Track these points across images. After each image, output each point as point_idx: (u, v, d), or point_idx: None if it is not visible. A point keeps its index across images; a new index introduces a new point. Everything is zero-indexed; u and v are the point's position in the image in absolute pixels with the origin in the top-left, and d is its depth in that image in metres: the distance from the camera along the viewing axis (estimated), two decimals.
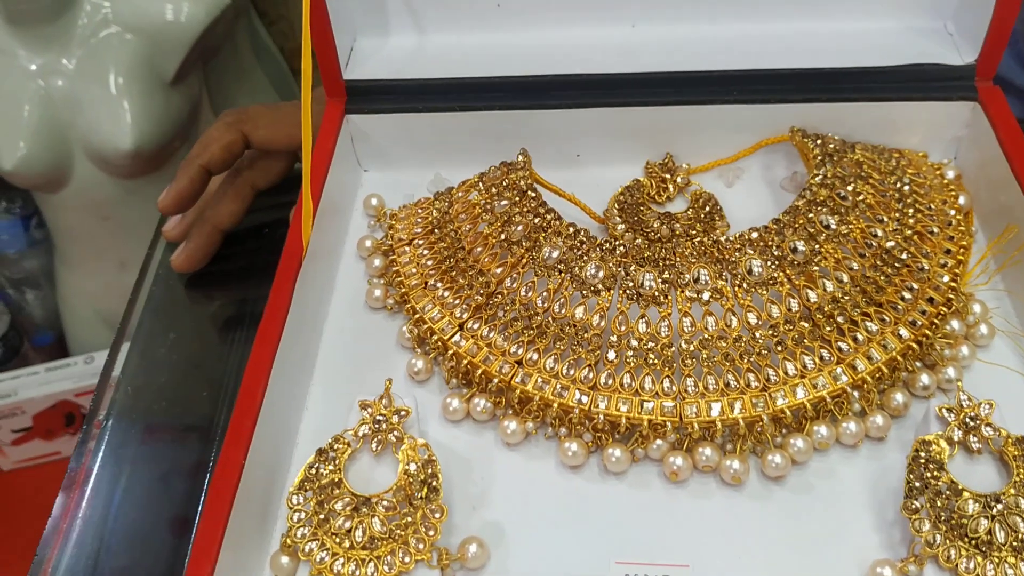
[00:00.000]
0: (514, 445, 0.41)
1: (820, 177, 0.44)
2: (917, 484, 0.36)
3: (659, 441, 0.39)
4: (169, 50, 0.74)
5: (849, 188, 0.44)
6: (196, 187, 0.54)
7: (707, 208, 0.48)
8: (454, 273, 0.44)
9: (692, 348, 0.40)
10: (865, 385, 0.40)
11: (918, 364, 0.41)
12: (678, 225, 0.47)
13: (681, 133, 0.51)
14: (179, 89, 0.77)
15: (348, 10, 0.50)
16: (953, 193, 0.47)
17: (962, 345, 0.42)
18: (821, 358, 0.40)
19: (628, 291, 0.41)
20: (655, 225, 0.47)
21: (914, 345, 0.40)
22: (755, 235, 0.42)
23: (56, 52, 0.74)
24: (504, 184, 0.45)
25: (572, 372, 0.40)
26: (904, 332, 0.40)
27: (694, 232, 0.46)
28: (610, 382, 0.40)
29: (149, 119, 0.75)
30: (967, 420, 0.37)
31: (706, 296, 0.40)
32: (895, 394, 0.40)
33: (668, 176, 0.50)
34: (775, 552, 0.37)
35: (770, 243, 0.42)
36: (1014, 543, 0.34)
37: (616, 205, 0.49)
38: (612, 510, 0.39)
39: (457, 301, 0.43)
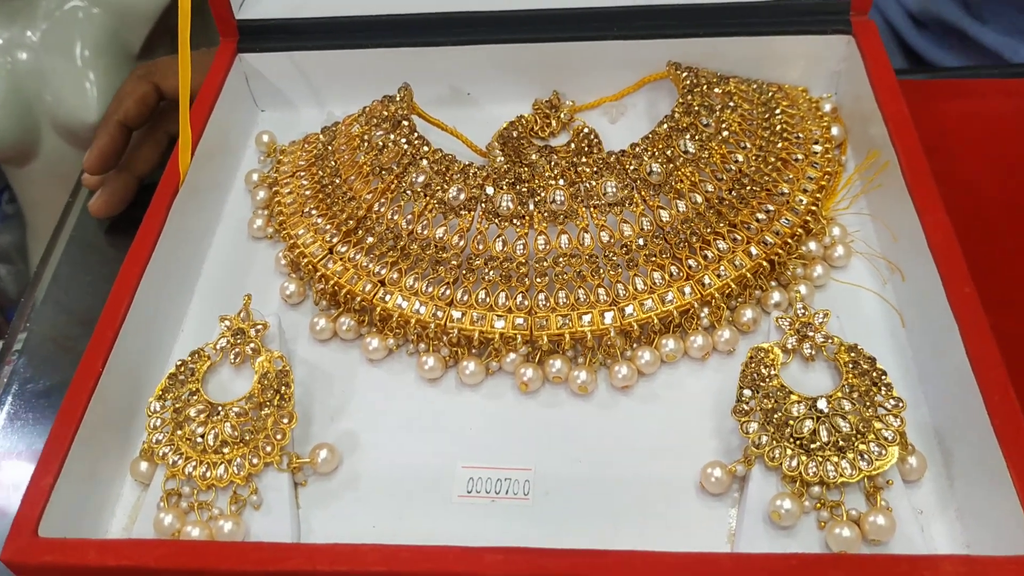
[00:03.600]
0: (377, 361, 0.42)
1: (684, 105, 0.45)
2: (748, 389, 0.37)
3: (512, 354, 0.40)
4: (134, 23, 0.75)
5: (714, 116, 0.45)
6: (117, 143, 0.55)
7: (585, 142, 0.49)
8: (328, 201, 0.45)
9: (546, 266, 0.41)
10: (714, 301, 0.41)
11: (773, 284, 0.42)
12: (555, 157, 0.48)
13: (569, 71, 0.52)
14: None
15: None
16: (826, 124, 0.48)
17: (817, 265, 0.43)
18: (671, 274, 0.41)
19: (488, 213, 0.42)
20: (533, 157, 0.48)
21: (764, 263, 0.41)
22: (612, 158, 0.43)
23: (21, 25, 0.75)
24: (383, 116, 0.46)
25: (431, 289, 0.41)
26: (755, 251, 0.41)
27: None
28: (466, 298, 0.41)
29: (115, 92, 0.76)
30: (801, 329, 0.38)
31: (561, 217, 0.42)
32: (745, 310, 0.41)
33: (552, 112, 0.51)
34: (614, 456, 0.38)
35: (628, 166, 0.43)
36: (838, 443, 0.35)
37: (499, 139, 0.50)
38: (464, 420, 0.40)
39: (329, 227, 0.44)
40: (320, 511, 0.38)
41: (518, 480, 0.38)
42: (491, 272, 0.41)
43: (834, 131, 0.48)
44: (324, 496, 0.38)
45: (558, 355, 0.40)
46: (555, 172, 0.42)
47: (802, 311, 0.39)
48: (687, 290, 0.40)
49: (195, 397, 0.38)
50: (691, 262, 0.41)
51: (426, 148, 0.44)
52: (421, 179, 0.43)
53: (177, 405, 0.38)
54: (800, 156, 0.45)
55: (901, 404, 0.36)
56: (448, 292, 0.41)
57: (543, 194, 0.42)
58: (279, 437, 0.37)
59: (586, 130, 0.50)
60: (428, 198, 0.43)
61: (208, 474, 0.37)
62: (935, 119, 0.51)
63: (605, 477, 0.37)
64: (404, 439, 0.39)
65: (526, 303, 0.40)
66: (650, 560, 0.31)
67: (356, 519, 0.37)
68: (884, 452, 0.35)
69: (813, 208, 0.43)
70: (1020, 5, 0.76)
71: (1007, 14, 0.78)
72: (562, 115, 0.51)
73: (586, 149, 0.49)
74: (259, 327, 0.40)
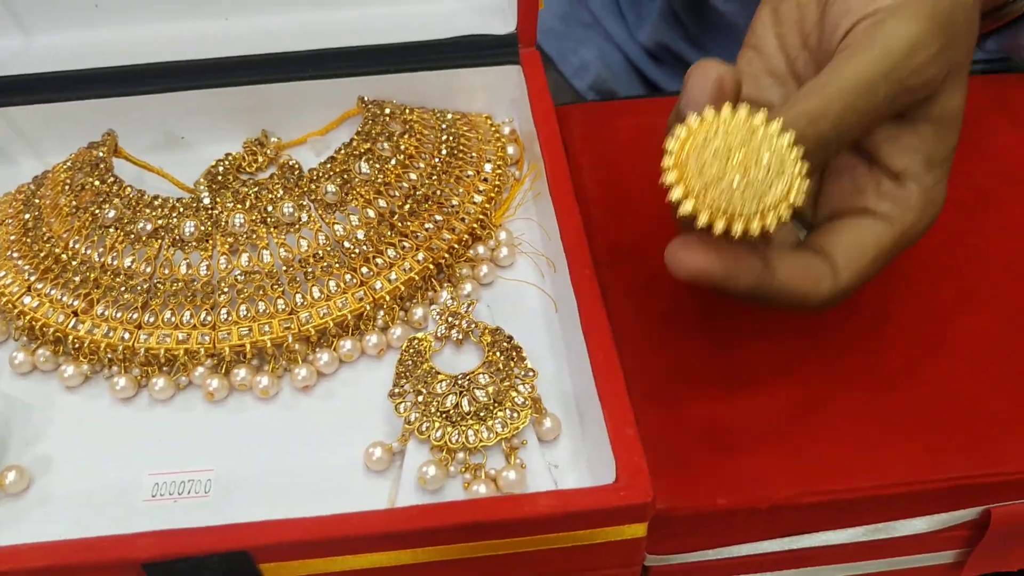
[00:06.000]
0: (74, 388, 0.44)
1: (364, 134, 0.50)
2: (403, 373, 0.41)
3: (200, 368, 0.44)
4: None
5: (392, 142, 0.50)
6: None
7: (289, 173, 0.53)
8: (30, 241, 0.48)
9: (228, 283, 0.44)
10: (386, 303, 0.45)
11: (447, 284, 0.47)
12: (257, 187, 0.52)
13: (278, 111, 0.56)
14: None
15: None
16: (502, 144, 0.54)
17: (483, 265, 0.48)
18: (345, 282, 0.45)
19: (174, 240, 0.45)
20: (239, 190, 0.51)
21: (431, 267, 0.46)
22: (291, 183, 0.47)
23: None
24: (86, 161, 0.49)
25: (120, 315, 0.44)
26: (422, 256, 0.46)
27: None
28: (152, 319, 0.44)
29: None
30: (449, 318, 0.43)
31: (242, 238, 0.45)
32: (416, 309, 0.46)
33: (259, 149, 0.55)
34: (292, 450, 0.42)
35: (306, 188, 0.47)
36: (479, 412, 0.40)
37: (206, 176, 0.53)
38: (155, 433, 0.43)
39: (28, 267, 0.47)
40: (9, 531, 0.39)
41: (200, 480, 0.41)
42: (176, 294, 0.44)
43: (510, 150, 0.54)
44: (14, 517, 0.40)
45: (243, 364, 0.44)
46: (238, 197, 0.46)
47: (451, 302, 0.44)
48: (360, 295, 0.45)
49: None
50: (364, 270, 0.45)
51: (118, 186, 0.47)
52: (111, 214, 0.46)
53: None
54: (472, 172, 0.51)
55: (533, 374, 0.41)
56: (136, 316, 0.44)
57: (225, 218, 0.46)
58: None
59: (291, 163, 0.54)
60: (118, 231, 0.46)
61: None
62: (609, 135, 0.58)
63: (282, 469, 0.41)
64: (96, 457, 0.42)
65: (209, 319, 0.44)
66: (288, 526, 0.35)
67: (45, 535, 0.39)
68: (517, 416, 0.40)
69: (481, 217, 0.49)
70: (738, 37, 0.86)
71: (727, 45, 0.88)
72: (268, 151, 0.55)
73: (288, 181, 0.53)
74: None
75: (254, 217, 0.46)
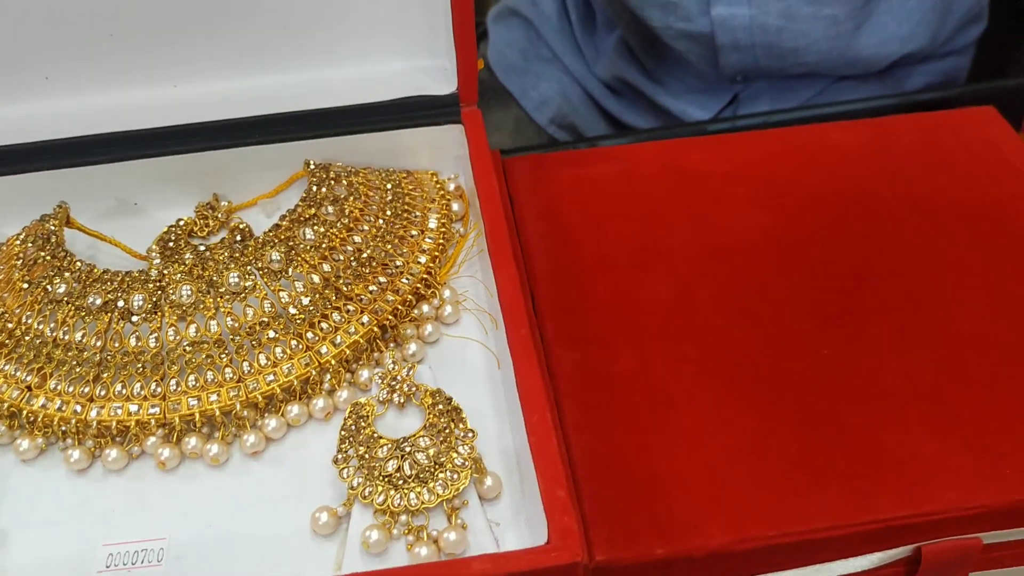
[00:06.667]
0: (30, 461, 0.46)
1: (309, 199, 0.51)
2: (346, 438, 0.43)
3: (152, 437, 0.45)
4: None
5: (337, 205, 0.51)
6: None
7: (240, 236, 0.55)
8: None
9: (176, 354, 0.46)
10: (331, 367, 0.47)
11: (392, 344, 0.49)
12: (209, 253, 0.53)
13: (227, 175, 0.58)
14: None
15: None
16: (447, 201, 0.55)
17: (428, 324, 0.49)
18: (291, 347, 0.46)
19: (123, 312, 0.47)
20: (188, 256, 0.53)
21: (375, 328, 0.48)
22: (236, 252, 0.48)
23: None
24: (37, 234, 0.51)
25: (72, 389, 0.45)
26: (366, 319, 0.48)
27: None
28: (103, 392, 0.45)
29: None
30: (391, 382, 0.45)
31: (190, 309, 0.47)
32: (362, 371, 0.47)
33: (211, 213, 0.57)
34: (241, 516, 0.43)
35: (251, 257, 0.48)
36: (420, 475, 0.41)
37: (158, 243, 0.55)
38: (109, 503, 0.44)
39: None
40: None
41: (152, 549, 0.42)
42: (126, 366, 0.45)
43: (455, 207, 0.56)
44: None
45: (193, 433, 0.45)
46: (185, 268, 0.48)
47: (392, 366, 0.45)
48: (305, 361, 0.46)
49: None
50: (310, 335, 0.47)
51: (68, 260, 0.48)
52: (62, 289, 0.47)
53: None
54: (416, 232, 0.52)
55: (472, 434, 0.43)
56: (88, 389, 0.45)
57: (172, 290, 0.47)
58: None
59: (242, 226, 0.56)
60: (69, 306, 0.47)
61: None
62: (553, 185, 0.60)
63: (232, 535, 0.42)
64: (51, 530, 0.43)
65: (159, 390, 0.45)
66: None
67: None
68: (458, 477, 0.41)
69: (425, 276, 0.50)
70: (691, 70, 0.88)
71: (681, 77, 0.90)
72: (219, 215, 0.57)
73: (239, 244, 0.54)
74: None
75: (201, 287, 0.47)
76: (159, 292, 0.47)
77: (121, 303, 0.47)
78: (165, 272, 0.48)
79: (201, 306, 0.47)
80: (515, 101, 0.98)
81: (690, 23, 0.80)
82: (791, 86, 0.86)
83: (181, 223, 0.56)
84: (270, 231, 0.49)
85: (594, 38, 0.96)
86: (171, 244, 0.54)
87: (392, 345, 0.49)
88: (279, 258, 0.48)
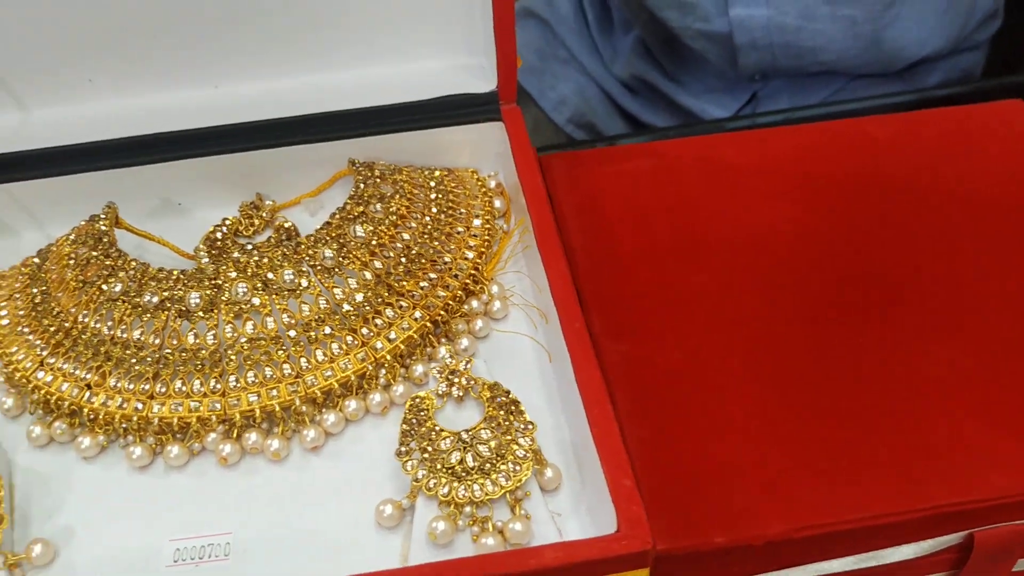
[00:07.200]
0: (91, 458, 0.46)
1: (357, 197, 0.52)
2: (408, 432, 0.43)
3: (212, 434, 0.45)
4: None
5: (384, 203, 0.52)
6: None
7: (285, 235, 0.55)
8: (39, 316, 0.49)
9: (235, 351, 0.46)
10: (387, 362, 0.47)
11: (444, 340, 0.49)
12: (258, 252, 0.53)
13: (270, 175, 0.58)
14: None
15: None
16: (489, 198, 0.56)
17: (478, 319, 0.50)
18: (347, 344, 0.47)
19: (179, 311, 0.47)
20: (236, 255, 0.53)
21: (428, 324, 0.48)
22: (290, 249, 0.49)
23: None
24: (88, 234, 0.51)
25: (132, 386, 0.46)
26: (419, 314, 0.48)
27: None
28: (164, 390, 0.46)
29: None
30: (449, 375, 0.45)
31: (246, 307, 0.47)
32: (416, 366, 0.48)
33: (255, 212, 0.57)
34: (305, 510, 0.43)
35: (304, 255, 0.49)
36: (483, 467, 0.42)
37: (205, 242, 0.55)
38: (173, 499, 0.44)
39: (40, 341, 0.48)
40: None
41: (219, 544, 0.42)
42: (185, 363, 0.46)
43: (497, 204, 0.56)
44: None
45: (253, 428, 0.45)
46: (239, 266, 0.48)
47: (449, 360, 0.46)
48: (361, 356, 0.47)
49: None
50: (364, 331, 0.47)
51: (122, 260, 0.49)
52: (118, 288, 0.48)
53: None
54: (461, 228, 0.53)
55: (532, 426, 0.43)
56: (148, 387, 0.46)
57: (228, 287, 0.47)
58: None
59: (287, 225, 0.56)
60: (125, 304, 0.48)
61: None
62: (591, 182, 0.60)
63: (296, 529, 0.43)
64: (117, 525, 0.44)
65: (219, 386, 0.46)
66: None
67: None
68: (520, 468, 0.42)
69: (473, 272, 0.51)
70: (710, 69, 0.89)
71: (700, 76, 0.91)
72: (264, 214, 0.57)
73: (284, 241, 0.55)
74: None
75: (256, 285, 0.48)
76: (214, 290, 0.48)
77: (177, 302, 0.47)
78: (220, 270, 0.48)
79: (257, 303, 0.47)
80: (533, 101, 0.98)
81: (708, 24, 0.81)
82: (809, 84, 0.86)
83: (227, 222, 0.56)
84: (321, 229, 0.50)
85: (611, 38, 0.97)
86: (218, 243, 0.55)
87: (444, 340, 0.49)
88: (332, 255, 0.49)
